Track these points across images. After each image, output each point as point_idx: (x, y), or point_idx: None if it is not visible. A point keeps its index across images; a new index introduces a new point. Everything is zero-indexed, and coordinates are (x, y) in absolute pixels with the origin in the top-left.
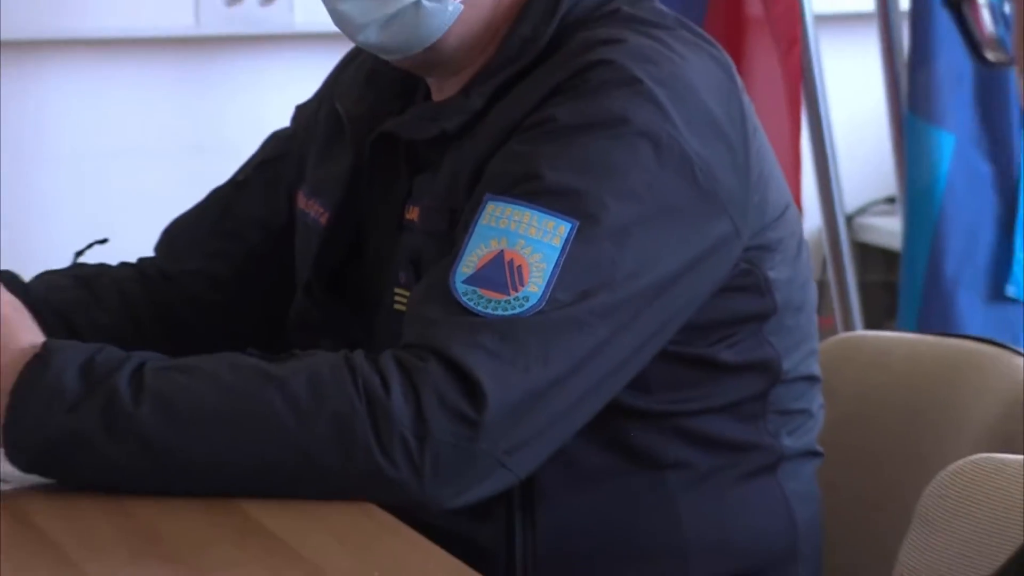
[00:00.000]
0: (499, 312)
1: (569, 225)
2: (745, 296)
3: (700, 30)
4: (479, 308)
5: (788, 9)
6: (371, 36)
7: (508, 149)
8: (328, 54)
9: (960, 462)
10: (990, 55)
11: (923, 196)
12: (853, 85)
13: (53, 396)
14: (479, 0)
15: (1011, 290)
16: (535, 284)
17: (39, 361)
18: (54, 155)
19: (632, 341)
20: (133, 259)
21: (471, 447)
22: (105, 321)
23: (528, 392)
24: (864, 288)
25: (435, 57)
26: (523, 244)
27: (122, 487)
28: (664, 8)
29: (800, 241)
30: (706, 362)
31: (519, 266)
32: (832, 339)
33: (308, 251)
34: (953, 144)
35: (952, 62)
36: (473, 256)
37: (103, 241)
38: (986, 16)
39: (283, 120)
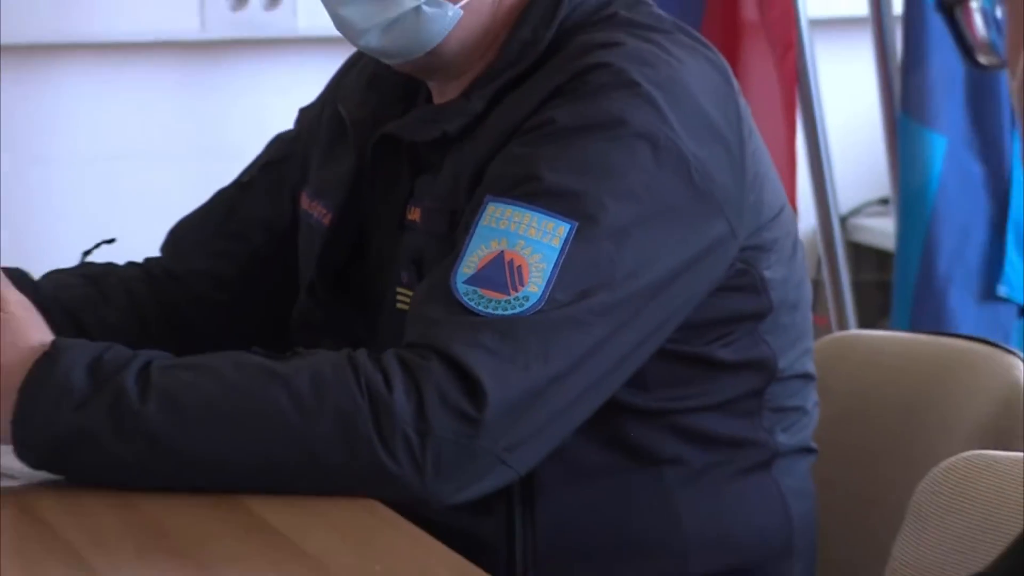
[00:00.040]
0: (499, 312)
1: (568, 226)
2: (741, 295)
3: (697, 34)
4: (480, 308)
5: (783, 14)
6: (372, 41)
7: (508, 151)
8: (331, 58)
9: (952, 459)
10: (982, 58)
11: (916, 197)
12: (847, 88)
13: (61, 394)
14: (478, 5)
15: (1002, 290)
16: (535, 284)
17: (48, 359)
18: (61, 157)
19: (630, 339)
20: (140, 259)
21: (472, 444)
22: (113, 319)
23: (528, 390)
24: (858, 287)
25: (435, 61)
26: (523, 245)
27: (129, 483)
28: (662, 12)
29: (795, 241)
30: (703, 360)
31: (519, 266)
32: (826, 338)
33: (311, 251)
34: (945, 146)
35: (944, 65)
36: (474, 257)
37: (110, 241)
38: (978, 20)
39: (287, 123)
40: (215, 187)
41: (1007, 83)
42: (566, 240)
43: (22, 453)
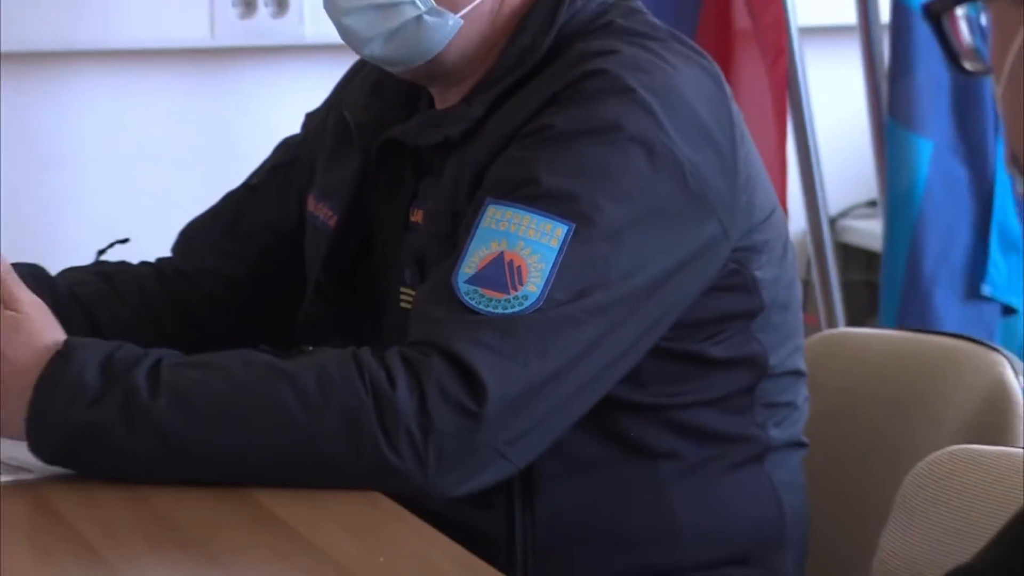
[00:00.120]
0: (499, 310)
1: (566, 227)
2: (733, 295)
3: (691, 42)
4: (480, 307)
5: (774, 22)
6: (376, 49)
7: (508, 155)
8: (336, 65)
9: (938, 453)
10: (968, 64)
11: (903, 200)
12: (836, 94)
13: (75, 391)
14: (478, 14)
15: (986, 289)
16: (534, 283)
17: (61, 358)
18: (76, 160)
19: (626, 337)
20: (151, 259)
21: (473, 438)
22: (126, 316)
23: (527, 386)
24: (846, 287)
25: (437, 68)
26: (522, 245)
27: (140, 477)
28: (656, 21)
29: (786, 242)
30: (697, 358)
31: (518, 266)
32: (816, 336)
33: (318, 252)
34: (931, 150)
35: (931, 72)
36: (475, 257)
37: (124, 241)
38: (964, 27)
39: (293, 127)
40: (224, 189)
41: (991, 88)
42: (564, 241)
43: (36, 448)
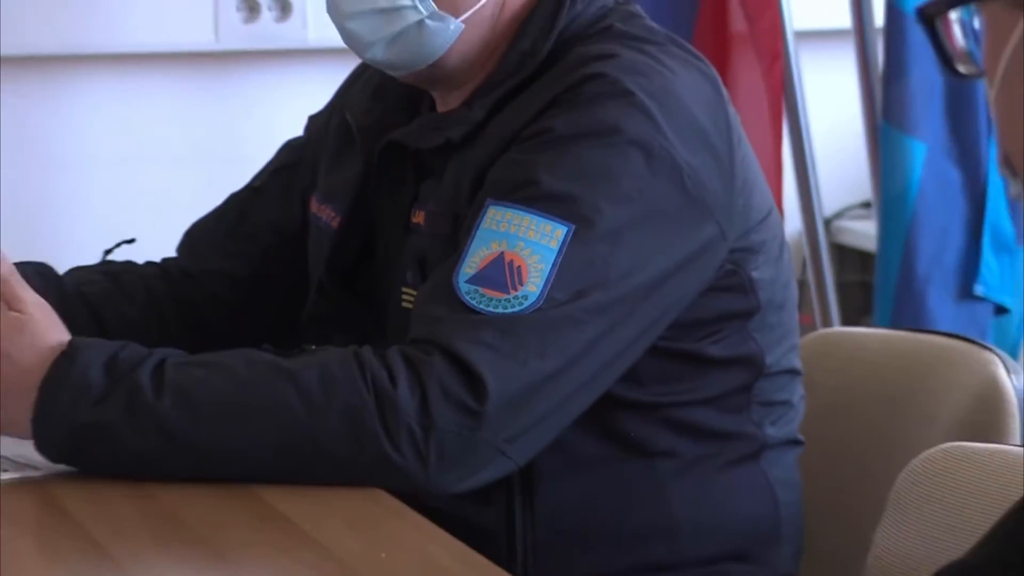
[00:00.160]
0: (500, 310)
1: (565, 228)
2: (730, 295)
3: (689, 46)
4: (481, 306)
5: (770, 26)
6: (378, 53)
7: (508, 157)
8: (339, 68)
9: (931, 450)
10: (961, 68)
11: (896, 201)
12: (831, 97)
13: (80, 391)
14: (479, 19)
15: (979, 289)
16: (533, 284)
17: (66, 358)
18: (82, 162)
19: (625, 337)
20: (157, 259)
21: (473, 436)
22: (133, 315)
23: (527, 385)
24: (841, 287)
25: (438, 72)
26: (522, 246)
27: (145, 475)
28: (655, 25)
29: (782, 243)
30: (694, 357)
31: (518, 267)
32: (812, 335)
33: (321, 252)
34: (925, 152)
35: (924, 75)
36: (475, 257)
37: (130, 241)
38: (957, 31)
39: (296, 129)
40: (228, 191)
41: (984, 91)
42: (563, 242)
43: (43, 448)
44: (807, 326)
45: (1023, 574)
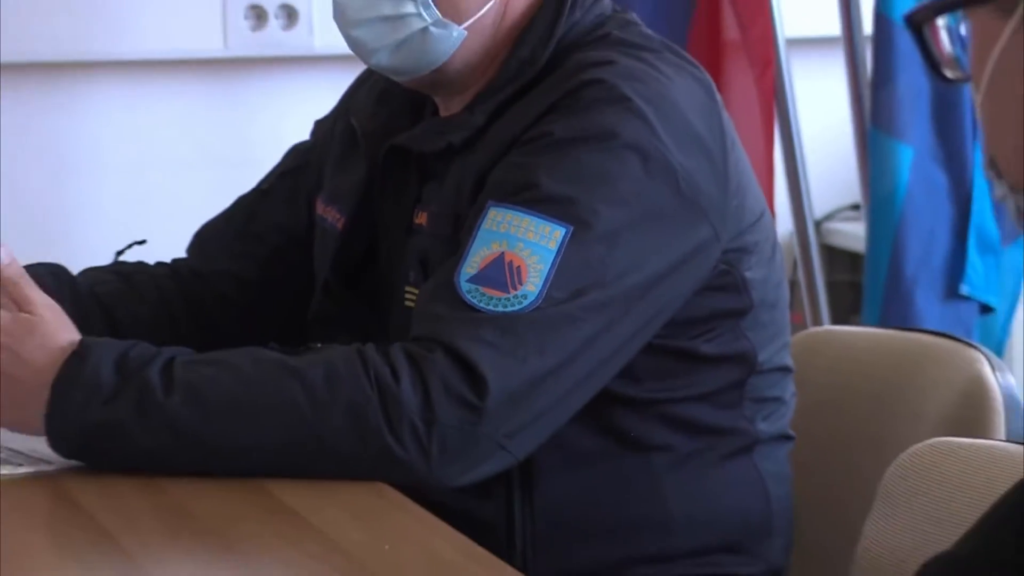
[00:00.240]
0: (500, 309)
1: (564, 230)
2: (724, 294)
3: (684, 53)
4: (481, 305)
5: (762, 34)
6: (383, 59)
7: (508, 160)
8: (344, 75)
9: (919, 445)
10: (948, 73)
11: (885, 203)
12: (821, 102)
13: (91, 389)
14: (481, 27)
15: (964, 289)
16: (532, 283)
17: (77, 358)
18: (95, 166)
19: (621, 334)
20: (167, 259)
21: (474, 431)
22: (144, 314)
23: (526, 381)
24: (831, 287)
25: (441, 78)
26: (522, 247)
27: (155, 471)
28: (651, 32)
29: (774, 244)
30: (688, 354)
31: (518, 267)
32: (802, 333)
33: (326, 253)
34: (912, 156)
35: (911, 81)
36: (476, 257)
37: (142, 242)
38: (944, 37)
39: (303, 134)
40: (236, 194)
41: (971, 96)
42: (562, 243)
43: (55, 444)
44: (798, 325)
45: (1008, 565)
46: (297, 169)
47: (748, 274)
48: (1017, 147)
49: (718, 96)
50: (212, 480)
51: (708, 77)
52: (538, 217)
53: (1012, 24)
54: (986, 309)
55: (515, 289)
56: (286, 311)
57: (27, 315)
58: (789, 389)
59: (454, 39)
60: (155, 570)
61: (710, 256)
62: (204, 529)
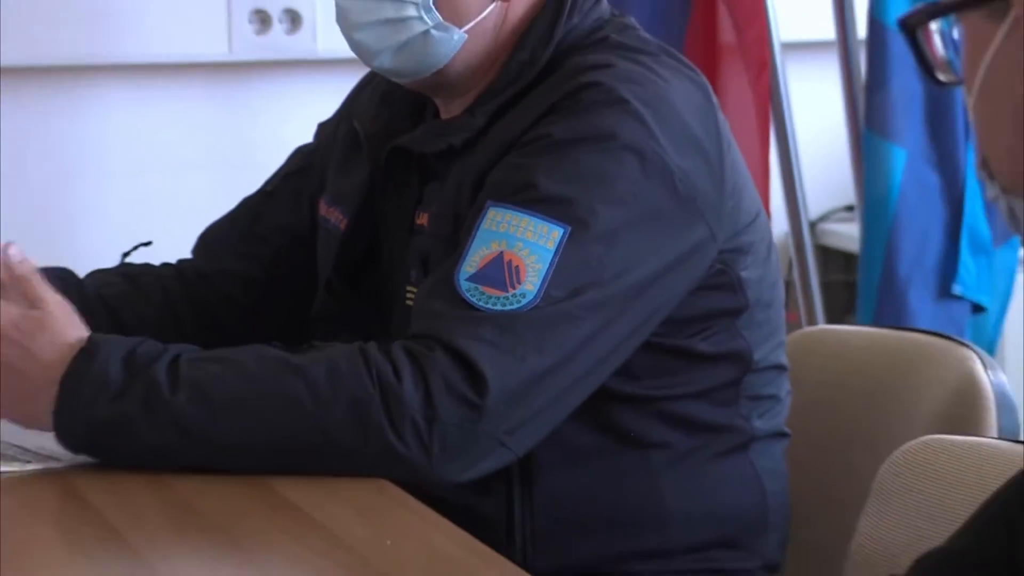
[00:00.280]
0: (499, 307)
1: (562, 230)
2: (720, 293)
3: (680, 56)
4: (481, 303)
5: (758, 37)
6: (385, 62)
7: (508, 161)
8: (346, 78)
9: (912, 442)
10: (941, 76)
11: (879, 204)
12: (816, 105)
13: (99, 386)
14: (481, 30)
15: (957, 289)
16: (531, 282)
17: (85, 355)
18: (100, 169)
19: (619, 333)
20: (173, 260)
21: (475, 428)
22: (150, 314)
23: (525, 379)
24: (826, 287)
25: (442, 80)
26: (521, 246)
27: (161, 467)
28: (648, 36)
29: (770, 244)
30: (685, 352)
31: (517, 266)
32: (797, 332)
33: (329, 253)
34: (905, 158)
35: (904, 85)
36: (476, 256)
37: (147, 243)
38: (937, 41)
39: (306, 136)
40: (241, 195)
41: (963, 99)
42: (560, 242)
43: (63, 440)
44: (793, 324)
45: (1000, 561)
46: (300, 171)
47: (744, 274)
48: (1010, 148)
49: (714, 98)
50: (218, 477)
51: (705, 80)
52: (537, 217)
53: (1004, 27)
54: (978, 309)
55: (514, 288)
56: (289, 310)
57: (37, 312)
58: (784, 387)
59: (455, 42)
60: (161, 566)
61: (706, 256)
62: (210, 525)
